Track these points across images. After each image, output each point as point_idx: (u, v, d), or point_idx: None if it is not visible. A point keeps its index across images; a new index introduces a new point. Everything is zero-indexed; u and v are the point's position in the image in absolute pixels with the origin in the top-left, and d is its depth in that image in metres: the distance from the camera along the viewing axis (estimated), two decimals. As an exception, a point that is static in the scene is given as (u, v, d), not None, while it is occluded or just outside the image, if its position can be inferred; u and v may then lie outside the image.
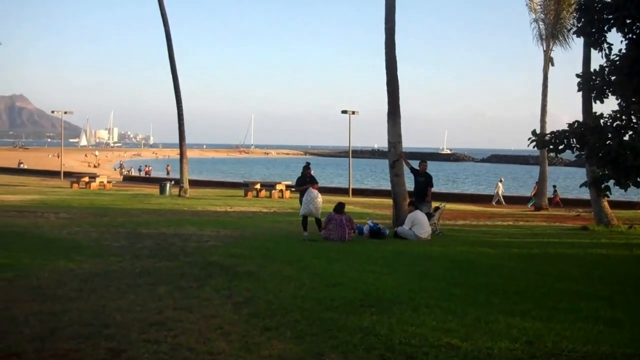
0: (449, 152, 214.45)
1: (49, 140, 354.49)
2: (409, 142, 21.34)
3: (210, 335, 7.01)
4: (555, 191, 42.74)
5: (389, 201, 23.48)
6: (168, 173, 76.71)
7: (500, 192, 43.73)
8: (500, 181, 45.47)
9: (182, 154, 39.41)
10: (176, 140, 41.89)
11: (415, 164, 20.76)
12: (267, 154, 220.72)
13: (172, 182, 41.17)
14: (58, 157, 75.02)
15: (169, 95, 42.46)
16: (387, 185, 29.92)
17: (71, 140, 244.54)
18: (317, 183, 19.55)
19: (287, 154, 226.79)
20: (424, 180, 19.89)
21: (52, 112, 65.18)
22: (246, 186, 42.50)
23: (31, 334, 6.95)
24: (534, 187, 42.20)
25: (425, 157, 25.94)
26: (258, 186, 41.63)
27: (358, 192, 47.95)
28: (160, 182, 43.83)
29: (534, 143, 15.64)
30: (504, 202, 42.57)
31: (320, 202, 17.85)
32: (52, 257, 12.56)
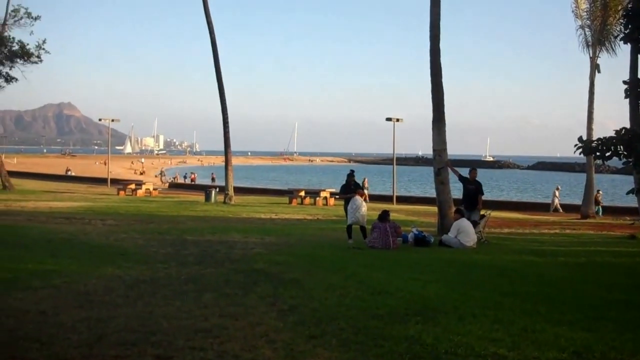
0: (492, 159, 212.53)
1: (95, 147, 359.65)
2: (450, 149, 21.20)
3: (256, 343, 7.02)
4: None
5: (434, 209, 23.40)
6: (213, 180, 77.11)
7: (557, 201, 42.90)
8: (557, 189, 44.67)
9: (227, 162, 39.74)
10: (221, 148, 42.29)
11: (461, 172, 20.59)
12: (312, 161, 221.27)
13: (217, 190, 41.43)
14: (105, 164, 75.97)
15: (213, 103, 42.89)
16: (431, 193, 29.82)
17: (117, 147, 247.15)
18: (362, 189, 19.57)
19: (331, 161, 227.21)
20: (474, 187, 19.70)
21: (100, 120, 65.36)
22: (290, 193, 42.62)
23: (78, 340, 7.02)
24: None
25: (468, 164, 25.66)
26: (302, 193, 41.76)
27: (402, 200, 47.87)
28: (205, 189, 44.17)
29: (581, 150, 15.45)
30: (552, 210, 41.69)
31: (365, 210, 17.88)
32: (99, 263, 12.74)
